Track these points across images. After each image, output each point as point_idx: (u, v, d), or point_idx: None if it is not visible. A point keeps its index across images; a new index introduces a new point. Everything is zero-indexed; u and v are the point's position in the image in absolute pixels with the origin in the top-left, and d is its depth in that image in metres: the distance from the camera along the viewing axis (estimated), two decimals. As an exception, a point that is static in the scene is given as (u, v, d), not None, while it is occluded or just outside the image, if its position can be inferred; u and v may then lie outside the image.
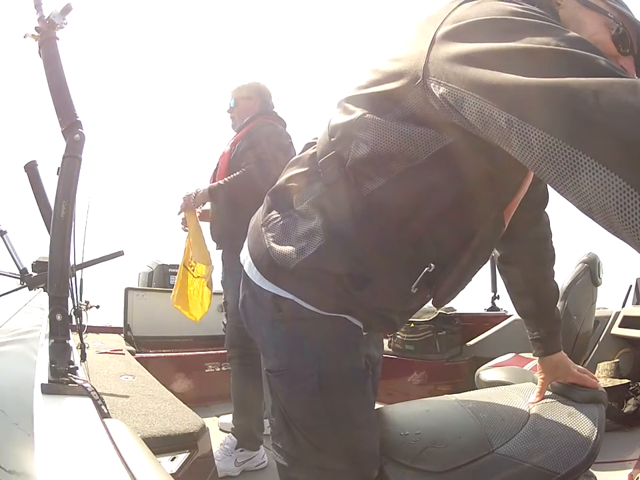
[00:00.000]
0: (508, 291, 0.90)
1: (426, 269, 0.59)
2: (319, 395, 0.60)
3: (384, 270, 0.60)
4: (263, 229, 0.66)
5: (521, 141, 0.40)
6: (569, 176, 0.37)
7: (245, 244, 0.72)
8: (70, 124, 0.91)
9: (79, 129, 0.91)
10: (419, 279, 0.60)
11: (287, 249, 0.60)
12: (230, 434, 1.72)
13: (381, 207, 0.57)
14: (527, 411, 0.72)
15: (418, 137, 0.53)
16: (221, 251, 1.81)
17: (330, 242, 0.59)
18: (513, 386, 0.87)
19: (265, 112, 1.80)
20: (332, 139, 0.61)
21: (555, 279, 0.87)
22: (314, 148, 0.66)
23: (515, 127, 0.40)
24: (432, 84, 0.48)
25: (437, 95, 0.48)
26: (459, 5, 0.49)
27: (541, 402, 0.76)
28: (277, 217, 0.65)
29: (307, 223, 0.61)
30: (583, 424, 0.67)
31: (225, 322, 1.92)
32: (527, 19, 0.44)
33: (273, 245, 0.62)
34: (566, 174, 0.37)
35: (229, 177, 1.66)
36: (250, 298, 0.68)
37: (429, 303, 0.76)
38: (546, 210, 0.86)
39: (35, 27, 0.99)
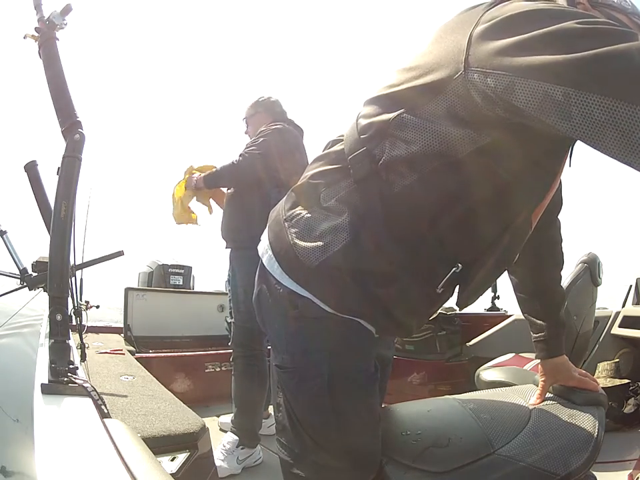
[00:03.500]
0: (515, 292, 0.90)
1: (453, 269, 0.59)
2: (326, 395, 0.60)
3: (411, 268, 0.59)
4: (286, 223, 0.65)
5: (581, 110, 0.42)
6: (632, 132, 0.39)
7: (265, 236, 0.71)
8: (70, 124, 0.91)
9: (79, 129, 0.91)
10: (445, 279, 0.59)
11: (312, 245, 0.60)
12: (229, 432, 1.73)
13: (412, 203, 0.57)
14: (528, 412, 0.72)
15: (456, 137, 0.53)
16: (229, 251, 1.83)
17: (357, 239, 0.58)
18: (513, 387, 0.87)
19: (276, 120, 1.83)
20: (362, 136, 0.61)
21: (561, 283, 0.87)
22: (340, 145, 0.66)
23: (574, 98, 0.42)
24: (475, 75, 0.49)
25: (482, 85, 0.49)
26: (491, 6, 0.51)
27: (541, 404, 0.76)
28: (302, 213, 0.64)
29: (333, 219, 0.60)
30: (583, 426, 0.67)
31: (229, 320, 1.93)
32: (557, 8, 0.48)
33: (297, 240, 0.61)
34: (629, 131, 0.39)
35: (219, 166, 1.77)
36: (266, 292, 0.68)
37: None
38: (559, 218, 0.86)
39: (35, 28, 0.99)
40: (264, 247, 0.70)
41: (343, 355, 0.62)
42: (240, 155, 1.70)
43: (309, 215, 0.63)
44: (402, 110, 0.57)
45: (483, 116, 0.51)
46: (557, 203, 0.84)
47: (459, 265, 0.58)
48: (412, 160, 0.56)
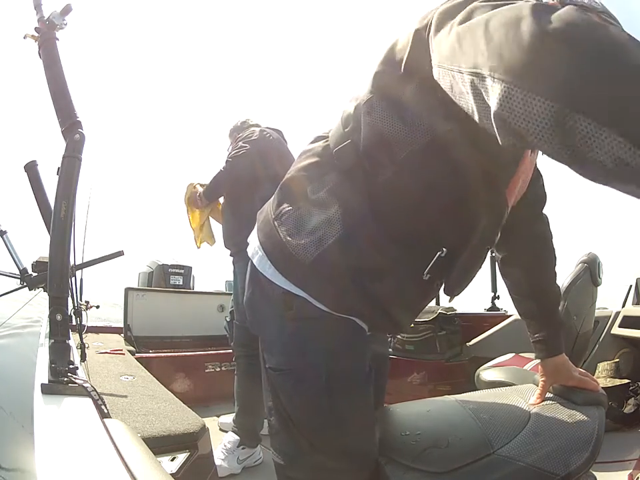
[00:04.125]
0: (510, 293, 0.90)
1: (438, 253, 0.59)
2: (324, 395, 0.60)
3: (401, 258, 0.60)
4: (275, 222, 0.64)
5: (463, 88, 0.43)
6: (497, 99, 0.37)
7: (254, 237, 0.70)
8: (70, 124, 0.91)
9: (79, 129, 0.91)
10: (431, 263, 0.60)
11: (305, 240, 0.59)
12: (230, 432, 1.74)
13: (396, 192, 0.58)
14: (528, 412, 0.72)
15: (422, 118, 0.55)
16: (232, 257, 1.87)
17: (350, 230, 0.58)
18: (513, 387, 0.87)
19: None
20: (345, 130, 0.62)
21: (556, 281, 0.87)
22: (326, 141, 0.66)
23: (457, 78, 0.43)
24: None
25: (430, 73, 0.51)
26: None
27: (541, 404, 0.76)
28: (290, 209, 0.63)
29: (323, 212, 0.60)
30: (583, 426, 0.67)
31: (228, 320, 1.95)
32: None
33: (289, 238, 0.61)
34: (494, 97, 0.38)
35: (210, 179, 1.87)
36: (259, 294, 0.67)
37: (431, 303, 0.79)
38: (546, 212, 0.87)
39: (35, 28, 0.99)
40: (254, 248, 0.69)
41: (340, 355, 0.62)
42: (226, 162, 1.79)
43: (298, 211, 0.62)
44: (371, 96, 0.59)
45: (443, 98, 0.52)
46: (540, 197, 0.84)
47: (443, 249, 0.59)
48: (385, 146, 0.57)
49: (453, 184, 0.57)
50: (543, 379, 0.82)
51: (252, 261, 0.69)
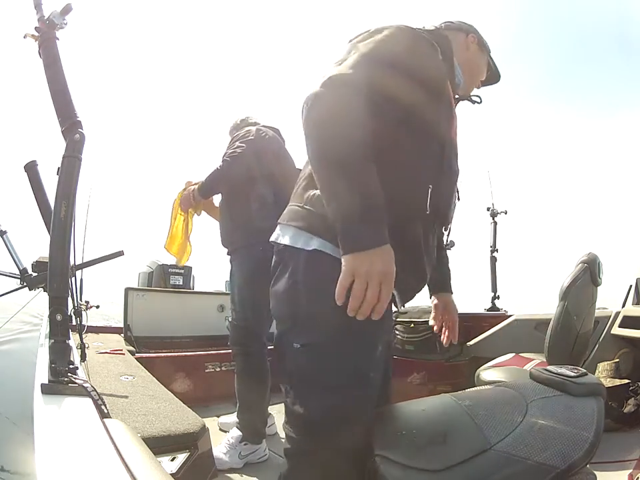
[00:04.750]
0: None
1: (429, 190, 0.75)
2: (342, 371, 0.70)
3: (404, 205, 0.72)
4: (307, 206, 0.74)
5: None
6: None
7: (284, 228, 0.78)
8: (70, 124, 0.91)
9: (79, 129, 0.91)
10: (429, 197, 0.75)
11: None
12: (234, 428, 1.76)
13: (382, 145, 0.70)
14: (525, 406, 0.71)
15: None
16: (229, 256, 1.86)
17: None
18: (509, 382, 0.87)
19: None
20: None
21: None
22: None
23: None
24: None
25: None
26: None
27: (538, 397, 0.75)
28: (315, 192, 0.72)
29: None
30: (581, 417, 0.66)
31: (230, 319, 1.95)
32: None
33: (324, 210, 0.68)
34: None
35: (206, 176, 1.84)
36: (292, 275, 0.73)
37: (429, 303, 0.95)
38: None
39: (35, 27, 0.99)
40: (287, 234, 0.76)
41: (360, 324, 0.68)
42: (222, 161, 1.77)
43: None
44: None
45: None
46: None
47: (430, 186, 0.75)
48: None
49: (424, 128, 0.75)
50: (434, 310, 1.04)
51: (278, 248, 0.77)
